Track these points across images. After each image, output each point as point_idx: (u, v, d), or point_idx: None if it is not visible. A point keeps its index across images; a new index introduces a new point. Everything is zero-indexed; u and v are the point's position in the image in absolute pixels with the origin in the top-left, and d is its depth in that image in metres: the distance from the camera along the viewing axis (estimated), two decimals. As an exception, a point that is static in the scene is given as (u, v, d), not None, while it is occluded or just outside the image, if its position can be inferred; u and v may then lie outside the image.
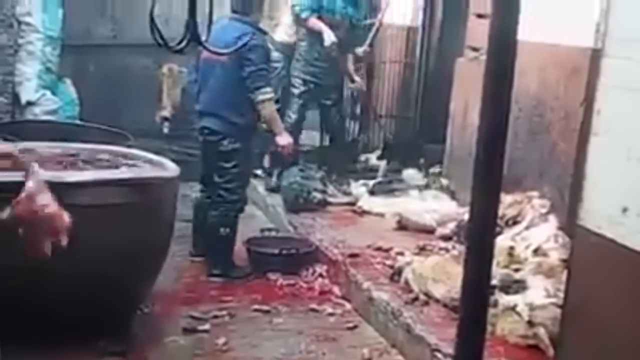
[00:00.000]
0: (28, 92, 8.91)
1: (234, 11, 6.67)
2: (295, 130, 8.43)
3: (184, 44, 4.17)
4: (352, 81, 9.07)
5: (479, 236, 2.37)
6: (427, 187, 8.16)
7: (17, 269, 4.54)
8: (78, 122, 8.92)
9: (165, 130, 10.38)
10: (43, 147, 5.64)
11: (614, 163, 3.78)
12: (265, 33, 6.91)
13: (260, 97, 6.43)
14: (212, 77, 6.57)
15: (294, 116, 8.63)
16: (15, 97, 8.89)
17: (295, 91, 8.73)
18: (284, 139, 6.80)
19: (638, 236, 3.60)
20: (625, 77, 3.71)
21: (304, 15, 8.46)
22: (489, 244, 2.38)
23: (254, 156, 6.79)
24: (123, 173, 5.31)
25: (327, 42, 8.41)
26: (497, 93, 2.15)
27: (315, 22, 8.50)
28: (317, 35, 8.48)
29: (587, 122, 4.93)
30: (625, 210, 3.67)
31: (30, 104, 8.86)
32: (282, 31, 9.11)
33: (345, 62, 8.86)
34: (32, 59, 8.99)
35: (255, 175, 8.90)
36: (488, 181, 2.29)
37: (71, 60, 9.77)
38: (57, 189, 4.55)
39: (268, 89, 6.47)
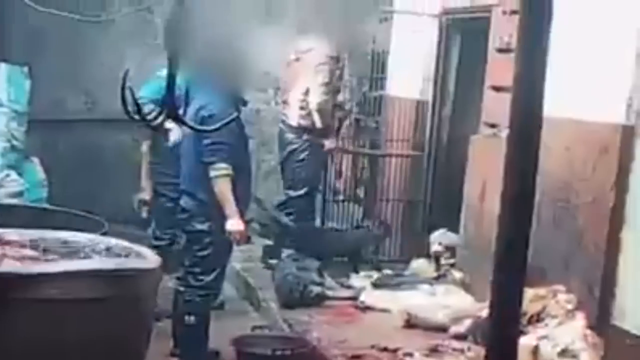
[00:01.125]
0: (-10, 172, 8.96)
1: None
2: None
3: (160, 119, 4.11)
4: None
5: (500, 335, 2.36)
6: (438, 279, 8.14)
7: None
8: (46, 206, 8.93)
9: (144, 215, 10.36)
10: (5, 234, 5.63)
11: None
12: (244, 104, 6.96)
13: (213, 173, 6.48)
14: (186, 152, 6.77)
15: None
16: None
17: None
18: (233, 224, 6.55)
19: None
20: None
21: None
22: (512, 344, 2.37)
23: (228, 241, 6.78)
24: (97, 264, 5.29)
25: None
26: (522, 175, 2.15)
27: None
28: None
29: (619, 207, 4.95)
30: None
31: (-8, 185, 8.89)
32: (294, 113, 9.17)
33: None
34: (-5, 136, 9.05)
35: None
36: (510, 273, 2.29)
37: (39, 136, 9.81)
38: (21, 281, 4.59)
39: (222, 165, 6.48)
